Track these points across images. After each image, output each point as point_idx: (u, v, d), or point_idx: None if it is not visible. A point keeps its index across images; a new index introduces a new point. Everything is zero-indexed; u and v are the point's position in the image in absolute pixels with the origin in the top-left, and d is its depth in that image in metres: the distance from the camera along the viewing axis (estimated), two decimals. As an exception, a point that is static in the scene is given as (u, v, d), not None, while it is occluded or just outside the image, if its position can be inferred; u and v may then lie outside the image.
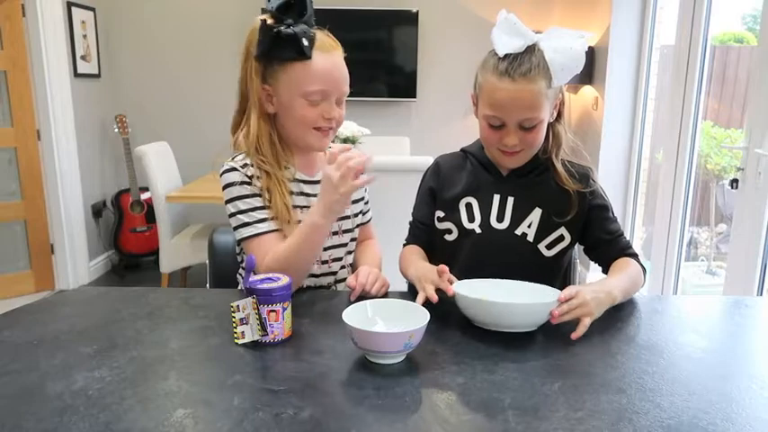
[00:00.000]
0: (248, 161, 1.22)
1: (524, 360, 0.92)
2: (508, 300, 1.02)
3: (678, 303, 1.36)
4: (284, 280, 0.99)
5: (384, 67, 4.04)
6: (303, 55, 1.15)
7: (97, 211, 3.87)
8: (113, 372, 0.86)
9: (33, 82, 3.30)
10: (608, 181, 3.51)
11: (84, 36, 3.68)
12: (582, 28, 3.79)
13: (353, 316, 0.92)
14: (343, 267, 1.35)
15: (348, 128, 2.91)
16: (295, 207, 1.23)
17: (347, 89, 1.23)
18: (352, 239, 1.36)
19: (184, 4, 3.96)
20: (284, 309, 0.97)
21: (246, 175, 1.21)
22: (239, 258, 1.36)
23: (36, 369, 0.88)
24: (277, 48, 1.16)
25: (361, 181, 1.07)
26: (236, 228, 1.21)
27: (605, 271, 1.26)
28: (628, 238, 1.28)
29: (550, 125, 1.22)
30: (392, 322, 0.96)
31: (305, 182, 1.28)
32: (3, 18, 3.16)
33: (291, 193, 1.24)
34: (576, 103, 3.95)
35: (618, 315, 1.14)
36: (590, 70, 3.59)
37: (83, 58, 3.66)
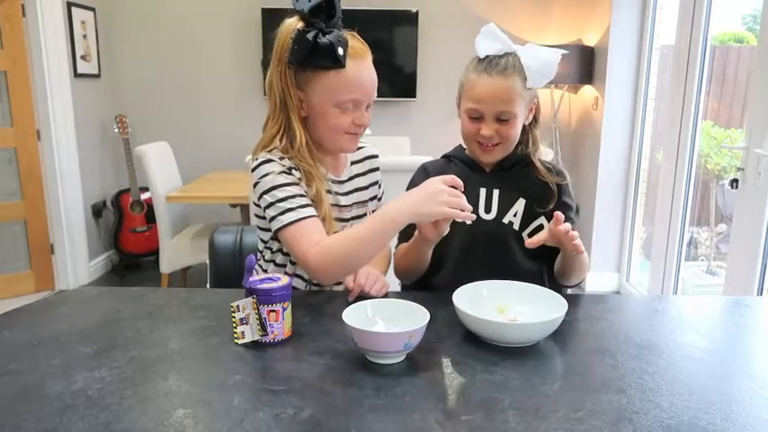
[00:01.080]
0: (285, 157, 1.21)
1: (524, 360, 0.92)
2: (510, 314, 1.02)
3: (678, 303, 1.36)
4: (284, 280, 0.99)
5: (384, 67, 3.99)
6: (338, 63, 1.15)
7: (97, 211, 3.87)
8: (113, 372, 0.86)
9: (33, 82, 3.30)
10: (608, 181, 3.51)
11: (84, 36, 3.68)
12: (582, 28, 3.81)
13: (353, 316, 0.92)
14: None
15: (348, 128, 2.91)
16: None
17: (376, 94, 1.25)
18: None
19: (184, 5, 3.96)
20: (284, 309, 0.97)
21: (284, 165, 1.19)
22: (262, 255, 1.33)
23: (36, 369, 0.88)
24: (312, 56, 1.15)
25: (459, 214, 1.06)
26: (274, 217, 1.16)
27: (550, 264, 1.31)
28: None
29: (529, 130, 1.34)
30: (392, 322, 0.96)
31: (333, 181, 1.30)
32: (3, 18, 3.16)
33: (327, 191, 1.25)
34: (575, 103, 3.95)
35: (618, 315, 1.14)
36: (590, 70, 3.59)
37: (83, 58, 3.66)
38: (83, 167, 3.62)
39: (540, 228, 1.29)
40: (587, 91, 3.73)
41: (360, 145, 1.37)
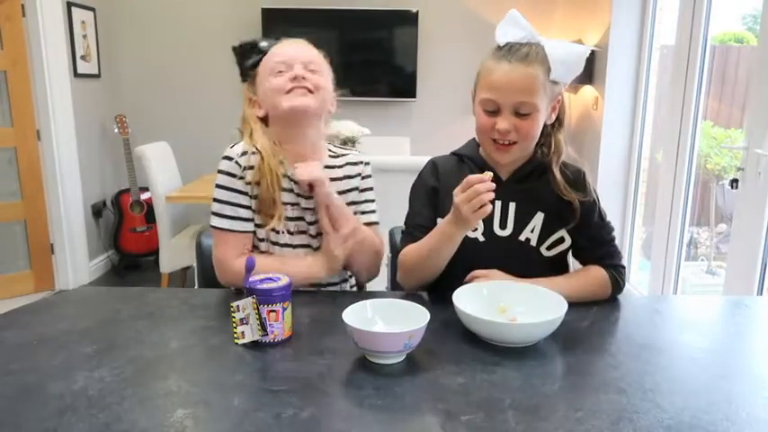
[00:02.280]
0: (245, 148, 1.28)
1: (524, 360, 0.92)
2: (510, 314, 1.02)
3: (678, 303, 1.36)
4: (284, 280, 0.99)
5: (384, 67, 4.04)
6: (261, 52, 1.30)
7: (97, 211, 3.87)
8: (113, 372, 0.86)
9: (33, 82, 3.30)
10: (608, 181, 3.51)
11: (84, 36, 3.68)
12: (582, 28, 3.81)
13: (353, 316, 0.92)
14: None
15: (348, 128, 2.91)
16: (284, 204, 1.28)
17: (314, 58, 1.30)
18: None
19: (184, 5, 3.96)
20: (284, 309, 0.97)
21: (239, 165, 1.26)
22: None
23: (36, 369, 0.88)
24: (244, 59, 1.31)
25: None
26: (212, 213, 1.27)
27: None
28: (615, 245, 1.24)
29: (551, 133, 1.22)
30: (392, 322, 0.96)
31: (297, 181, 1.29)
32: (3, 18, 3.16)
33: (283, 189, 1.28)
34: (575, 103, 3.95)
35: (618, 315, 1.14)
36: (590, 70, 3.59)
37: (83, 58, 3.66)
38: (83, 167, 3.62)
39: (561, 240, 1.22)
40: (587, 91, 3.73)
41: (344, 152, 1.39)
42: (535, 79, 1.11)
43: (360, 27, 3.93)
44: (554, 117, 1.20)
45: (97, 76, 3.86)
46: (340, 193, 1.32)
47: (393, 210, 1.48)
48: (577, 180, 1.22)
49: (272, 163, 1.25)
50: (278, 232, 1.29)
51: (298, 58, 1.27)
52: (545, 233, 1.21)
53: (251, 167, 1.26)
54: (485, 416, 0.75)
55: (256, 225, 1.29)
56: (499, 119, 1.14)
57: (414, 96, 4.02)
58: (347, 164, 1.37)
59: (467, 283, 1.13)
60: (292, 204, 1.29)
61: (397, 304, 1.02)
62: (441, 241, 1.15)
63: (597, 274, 1.20)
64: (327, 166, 1.33)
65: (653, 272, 3.11)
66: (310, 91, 1.25)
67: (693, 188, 2.82)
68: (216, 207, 1.27)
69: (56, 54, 3.35)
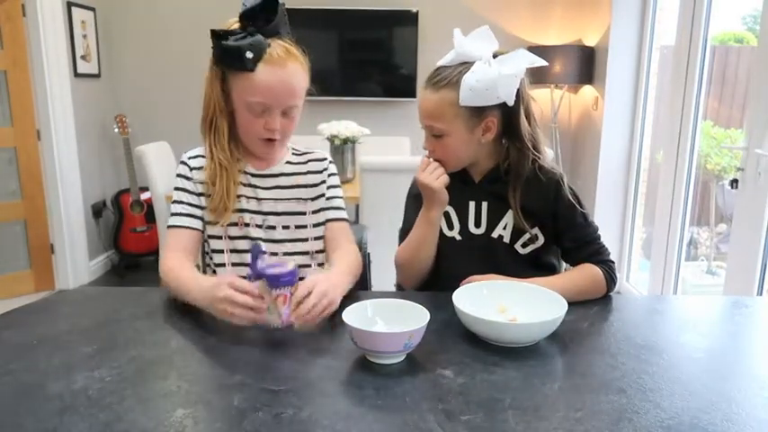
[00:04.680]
0: (201, 152, 1.31)
1: (524, 360, 0.92)
2: (510, 314, 1.02)
3: (678, 303, 1.36)
4: (291, 264, 1.00)
5: (384, 67, 4.04)
6: (244, 67, 1.18)
7: (97, 211, 3.87)
8: (113, 372, 0.86)
9: (33, 82, 3.30)
10: (608, 181, 3.51)
11: (84, 36, 3.68)
12: (582, 28, 3.81)
13: (353, 316, 0.92)
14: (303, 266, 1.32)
15: (348, 128, 2.91)
16: (240, 196, 1.29)
17: (295, 102, 1.24)
18: (316, 238, 1.34)
19: (184, 5, 3.96)
20: (291, 294, 0.98)
21: (189, 167, 1.31)
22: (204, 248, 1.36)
23: (36, 369, 0.88)
24: (223, 58, 1.23)
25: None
26: (170, 213, 1.31)
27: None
28: (601, 243, 1.27)
29: (504, 146, 1.26)
30: (392, 322, 0.96)
31: (254, 175, 1.32)
32: (3, 18, 3.16)
33: (241, 183, 1.30)
34: (575, 103, 3.95)
35: (618, 315, 1.14)
36: (590, 70, 3.59)
37: (83, 58, 3.66)
38: (83, 167, 3.62)
39: (534, 239, 1.25)
40: (587, 91, 3.73)
41: (308, 151, 1.39)
42: (441, 105, 1.18)
43: (359, 27, 3.92)
44: (490, 136, 1.21)
45: (97, 76, 3.86)
46: (306, 186, 1.34)
47: (392, 210, 1.48)
48: (549, 186, 1.24)
49: (228, 167, 1.27)
50: (247, 225, 1.29)
51: (279, 102, 1.22)
52: (517, 231, 1.25)
53: (200, 168, 1.29)
54: (485, 416, 0.75)
55: (210, 222, 1.29)
56: (425, 139, 1.25)
57: (414, 96, 4.01)
58: (310, 161, 1.38)
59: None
60: (248, 198, 1.30)
61: (397, 304, 1.02)
62: (423, 228, 1.25)
63: (591, 272, 1.21)
64: (290, 162, 1.36)
65: (653, 272, 3.11)
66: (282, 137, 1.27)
67: (693, 188, 2.83)
68: (171, 208, 1.31)
69: (56, 54, 3.35)
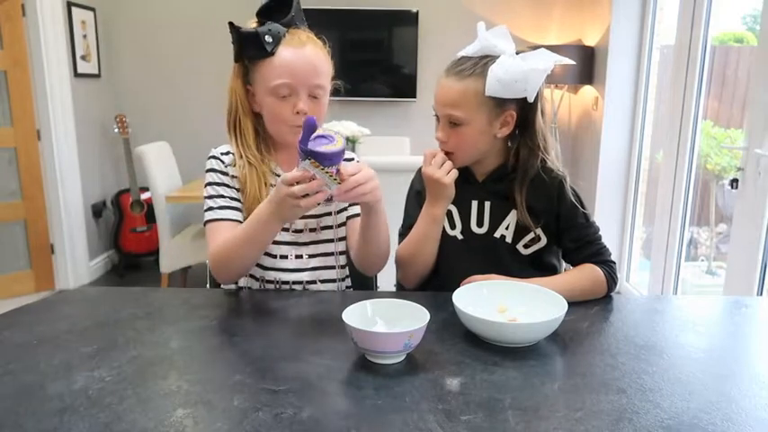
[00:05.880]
0: (231, 150, 1.27)
1: (524, 360, 0.92)
2: (510, 314, 1.02)
3: (678, 303, 1.36)
4: (339, 142, 1.01)
5: (384, 67, 4.04)
6: (264, 51, 1.18)
7: (97, 211, 3.87)
8: (113, 372, 0.86)
9: (33, 82, 3.30)
10: (608, 181, 3.51)
11: (84, 36, 3.68)
12: (582, 28, 3.81)
13: (353, 316, 0.92)
14: (328, 268, 1.32)
15: (348, 128, 2.91)
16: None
17: (321, 81, 1.22)
18: (340, 239, 1.33)
19: (184, 5, 3.96)
20: (337, 171, 1.01)
21: (223, 162, 1.26)
22: None
23: (36, 369, 0.88)
24: (243, 48, 1.21)
25: (313, 203, 1.04)
26: (204, 212, 1.25)
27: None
28: (602, 243, 1.27)
29: (513, 145, 1.26)
30: (392, 322, 0.96)
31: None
32: (3, 18, 3.17)
33: (272, 185, 1.27)
34: (575, 103, 3.95)
35: (618, 315, 1.14)
36: (590, 70, 3.59)
37: (83, 58, 3.66)
38: (83, 167, 3.62)
39: (537, 239, 1.25)
40: (587, 91, 3.73)
41: None
42: (463, 94, 1.17)
43: (360, 27, 3.93)
44: (506, 131, 1.22)
45: (97, 76, 3.86)
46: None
47: (392, 210, 1.48)
48: (552, 187, 1.24)
49: (260, 168, 1.25)
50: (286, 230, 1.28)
51: (304, 81, 1.20)
52: (520, 231, 1.25)
53: (233, 164, 1.27)
54: (485, 416, 0.75)
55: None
56: (439, 127, 1.24)
57: (414, 96, 4.02)
58: None
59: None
60: None
61: (397, 304, 1.02)
62: (426, 224, 1.24)
63: (592, 272, 1.21)
64: None
65: (653, 272, 3.12)
66: None
67: (693, 188, 2.83)
68: (207, 204, 1.26)
69: (56, 54, 3.35)
